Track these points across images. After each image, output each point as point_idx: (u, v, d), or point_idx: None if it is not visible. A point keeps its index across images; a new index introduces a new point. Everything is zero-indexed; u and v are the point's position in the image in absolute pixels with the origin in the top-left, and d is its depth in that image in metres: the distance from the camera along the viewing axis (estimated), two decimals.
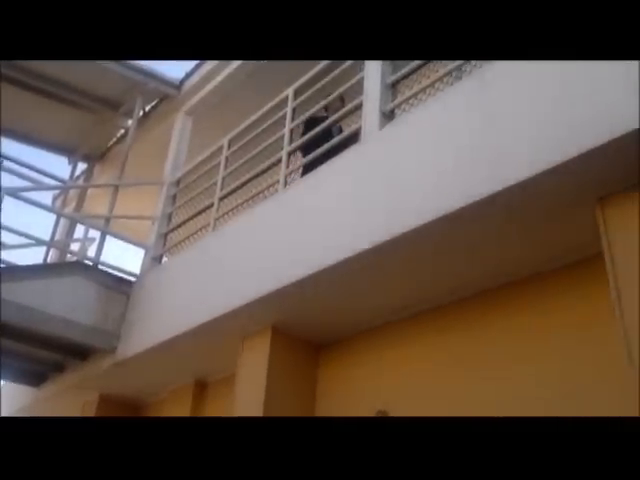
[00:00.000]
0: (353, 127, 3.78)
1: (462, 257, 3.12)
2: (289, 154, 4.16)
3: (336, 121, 4.07)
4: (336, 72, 4.06)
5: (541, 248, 2.97)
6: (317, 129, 4.05)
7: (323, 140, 3.94)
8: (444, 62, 3.42)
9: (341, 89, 3.97)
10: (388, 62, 3.68)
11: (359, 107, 3.75)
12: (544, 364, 2.87)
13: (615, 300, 2.29)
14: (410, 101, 3.60)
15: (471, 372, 3.18)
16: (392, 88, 3.67)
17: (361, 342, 3.85)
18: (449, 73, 3.45)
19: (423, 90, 3.47)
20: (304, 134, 4.20)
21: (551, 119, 2.51)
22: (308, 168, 3.99)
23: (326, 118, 4.15)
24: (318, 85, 4.16)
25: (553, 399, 2.74)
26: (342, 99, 4.13)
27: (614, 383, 2.43)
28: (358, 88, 3.83)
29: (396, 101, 3.58)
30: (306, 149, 4.14)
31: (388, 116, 3.56)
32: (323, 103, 4.15)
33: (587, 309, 2.77)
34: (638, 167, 2.34)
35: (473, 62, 3.22)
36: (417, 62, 3.54)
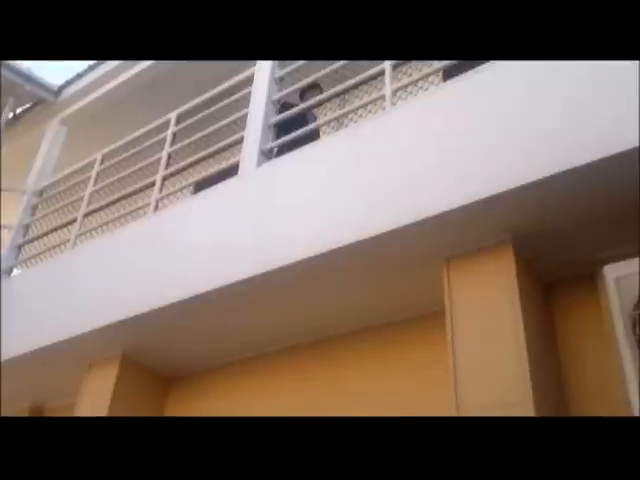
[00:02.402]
0: (232, 160, 3.78)
1: (321, 301, 3.18)
2: (164, 178, 4.07)
3: (310, 108, 3.89)
4: (223, 103, 4.07)
5: (392, 299, 3.10)
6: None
7: (297, 126, 3.71)
8: (324, 111, 3.55)
9: (238, 115, 3.86)
10: (272, 102, 3.75)
11: (240, 142, 3.77)
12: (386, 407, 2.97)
13: (450, 354, 2.43)
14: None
15: (322, 411, 3.22)
16: (274, 128, 3.73)
17: (213, 377, 3.77)
18: (328, 122, 3.59)
19: (303, 134, 3.57)
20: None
21: (411, 178, 2.68)
22: (281, 151, 3.75)
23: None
24: (202, 114, 4.14)
25: None
26: (320, 88, 3.99)
27: None
28: (242, 123, 3.86)
29: (276, 142, 3.65)
30: (280, 133, 3.85)
31: (267, 155, 3.61)
32: (297, 86, 3.85)
33: (425, 362, 2.92)
34: (484, 231, 2.54)
35: (349, 116, 3.38)
36: (300, 106, 3.65)
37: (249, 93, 3.87)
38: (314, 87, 3.94)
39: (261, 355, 3.64)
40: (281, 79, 3.90)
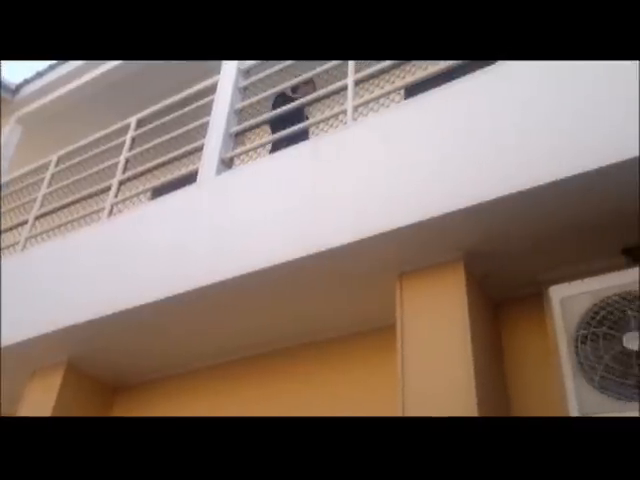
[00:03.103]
0: (191, 168, 3.75)
1: (276, 311, 3.16)
2: (120, 183, 4.00)
3: (305, 104, 3.75)
4: (184, 110, 4.04)
5: (347, 312, 3.11)
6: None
7: (293, 120, 3.62)
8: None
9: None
10: (234, 112, 3.74)
11: (200, 149, 3.74)
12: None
13: (399, 368, 2.45)
14: (249, 153, 3.69)
15: None
16: (234, 138, 3.72)
17: (161, 387, 3.70)
18: (289, 134, 3.60)
19: (263, 145, 3.58)
20: (273, 109, 3.85)
21: (367, 194, 2.71)
22: (275, 146, 3.70)
23: (294, 99, 3.78)
24: (163, 119, 4.10)
25: None
26: (313, 84, 3.91)
27: None
28: (203, 130, 3.84)
29: (236, 151, 3.64)
30: (275, 126, 3.81)
31: (226, 164, 3.59)
32: (293, 82, 3.72)
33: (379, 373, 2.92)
34: (437, 248, 2.58)
35: (312, 130, 3.39)
36: (262, 117, 3.65)
37: (212, 101, 3.85)
38: (307, 82, 3.86)
39: (212, 366, 3.58)
40: (245, 89, 3.90)
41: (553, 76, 2.47)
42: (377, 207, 2.63)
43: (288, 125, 3.54)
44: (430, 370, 2.39)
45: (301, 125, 3.47)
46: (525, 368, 2.59)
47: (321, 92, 3.56)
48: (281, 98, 3.91)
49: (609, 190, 2.25)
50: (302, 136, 3.54)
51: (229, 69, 3.93)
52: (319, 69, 3.55)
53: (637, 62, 2.24)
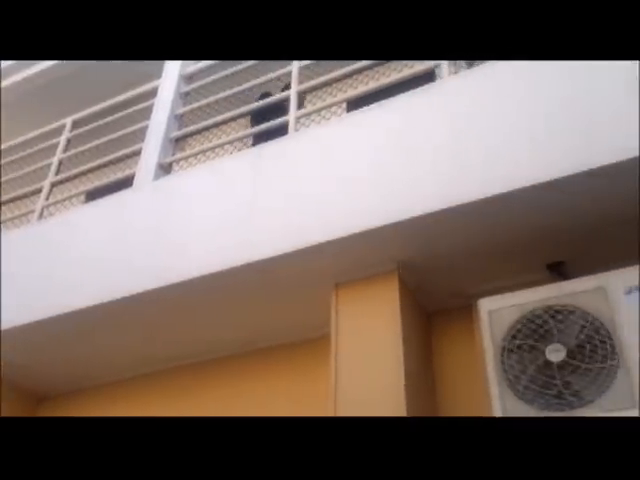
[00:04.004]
0: (128, 172, 3.67)
1: (212, 320, 3.12)
2: (52, 185, 3.87)
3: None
4: (122, 113, 3.96)
5: (285, 323, 3.11)
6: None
7: (275, 115, 3.52)
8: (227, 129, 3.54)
9: (137, 126, 3.78)
10: (175, 117, 3.70)
11: (138, 153, 3.67)
12: None
13: (332, 377, 2.47)
14: (189, 160, 3.64)
15: None
16: (174, 143, 3.67)
17: (89, 397, 3.58)
18: (231, 142, 3.59)
19: (203, 152, 3.55)
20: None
21: (305, 204, 2.73)
22: (258, 139, 3.58)
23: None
24: (101, 121, 4.01)
25: None
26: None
27: None
28: (142, 135, 3.77)
29: (176, 156, 3.59)
30: (258, 120, 3.76)
31: (165, 169, 3.54)
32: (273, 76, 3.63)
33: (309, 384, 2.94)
34: (372, 260, 2.62)
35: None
36: (204, 123, 3.62)
37: (152, 105, 3.79)
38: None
39: (149, 373, 3.49)
40: (187, 94, 3.86)
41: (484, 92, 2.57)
42: (314, 218, 2.65)
43: (271, 118, 3.45)
44: (362, 376, 2.42)
45: (264, 126, 3.43)
46: (454, 377, 2.66)
47: (265, 100, 3.57)
48: (266, 95, 3.83)
49: (536, 209, 2.35)
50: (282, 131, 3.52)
51: (171, 73, 3.89)
52: (263, 78, 3.57)
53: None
